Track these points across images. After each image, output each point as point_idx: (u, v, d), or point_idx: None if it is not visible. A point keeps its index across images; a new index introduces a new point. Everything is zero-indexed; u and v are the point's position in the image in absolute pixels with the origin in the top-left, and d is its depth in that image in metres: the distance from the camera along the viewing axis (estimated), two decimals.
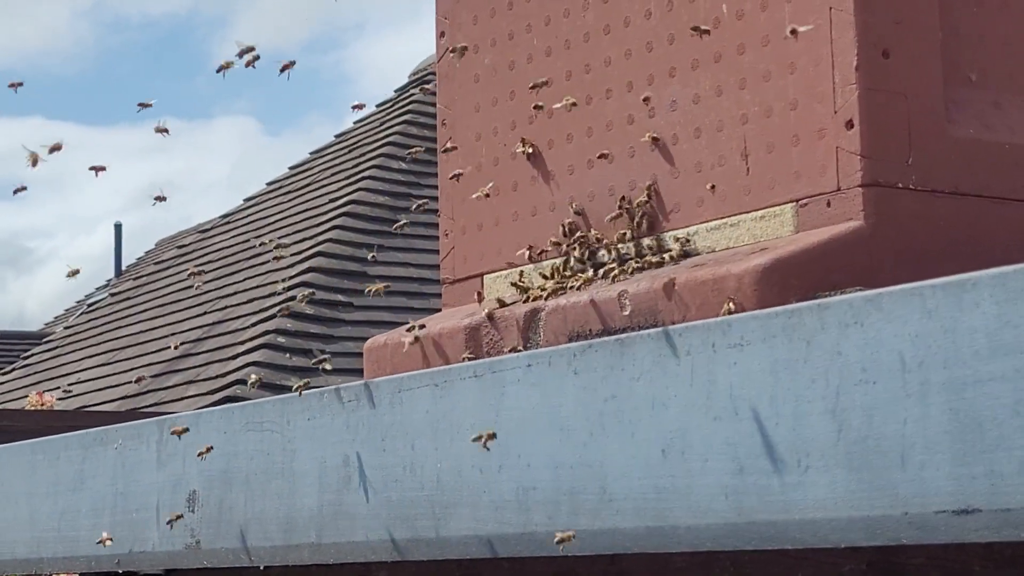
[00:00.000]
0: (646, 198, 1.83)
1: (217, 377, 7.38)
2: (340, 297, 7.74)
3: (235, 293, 8.45)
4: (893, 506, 1.26)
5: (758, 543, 1.38)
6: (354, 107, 2.33)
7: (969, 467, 1.21)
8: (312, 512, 1.87)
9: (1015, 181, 1.72)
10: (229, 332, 7.89)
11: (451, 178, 2.06)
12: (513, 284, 1.93)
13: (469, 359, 1.88)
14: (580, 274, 1.88)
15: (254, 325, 7.74)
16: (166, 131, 2.04)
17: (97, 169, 2.20)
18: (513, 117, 2.07)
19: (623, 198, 1.82)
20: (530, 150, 1.93)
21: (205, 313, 8.51)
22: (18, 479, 2.48)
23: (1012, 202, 1.72)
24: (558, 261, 1.95)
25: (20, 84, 2.30)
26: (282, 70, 2.01)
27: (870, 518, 1.28)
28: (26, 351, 12.11)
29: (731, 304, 1.60)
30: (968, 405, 1.20)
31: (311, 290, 3.75)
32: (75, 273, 2.41)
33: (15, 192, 2.30)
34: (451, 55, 2.02)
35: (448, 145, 2.10)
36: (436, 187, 2.21)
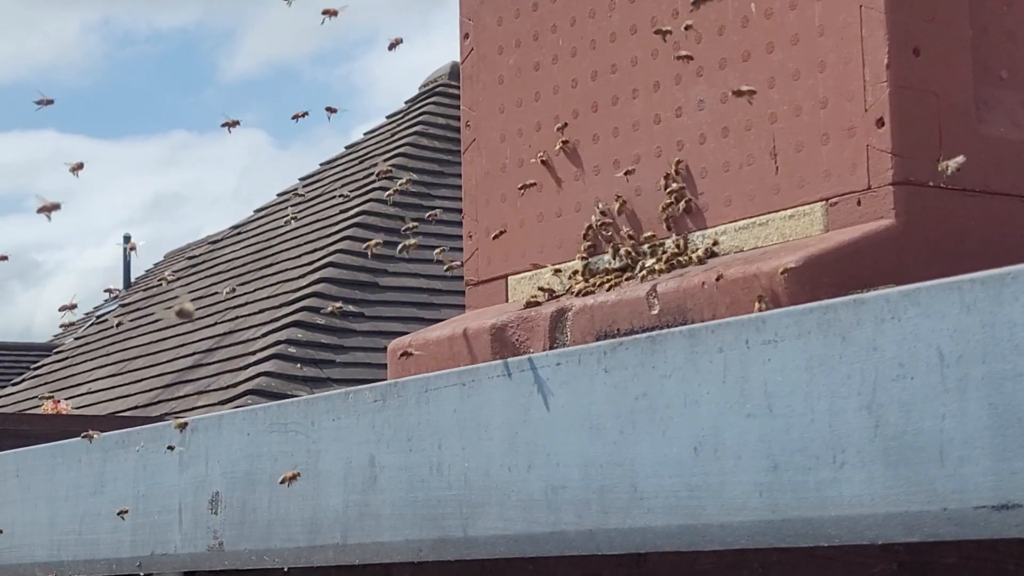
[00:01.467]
0: (677, 184, 1.82)
1: (228, 387, 7.38)
2: (351, 307, 7.73)
3: (246, 304, 8.45)
4: (931, 502, 1.25)
5: (793, 540, 1.37)
6: (294, 117, 2.33)
7: (1009, 462, 1.19)
8: (337, 513, 1.86)
9: None
10: (240, 343, 7.89)
11: (493, 238, 2.06)
12: (567, 276, 1.92)
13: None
14: (608, 274, 1.87)
15: (265, 336, 7.73)
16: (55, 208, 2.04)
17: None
18: (538, 118, 2.07)
19: (667, 176, 1.82)
20: (565, 147, 1.93)
21: (216, 324, 8.51)
22: (38, 482, 2.47)
23: None
24: (580, 263, 1.94)
25: (50, 102, 2.30)
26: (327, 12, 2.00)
27: (908, 514, 1.27)
28: (35, 363, 12.12)
29: (761, 303, 1.59)
30: (1008, 400, 1.19)
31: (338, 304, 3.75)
32: (71, 307, 2.38)
33: (44, 211, 2.25)
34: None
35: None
36: (447, 198, 2.20)
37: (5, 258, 2.45)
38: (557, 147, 1.96)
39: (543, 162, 1.94)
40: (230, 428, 2.07)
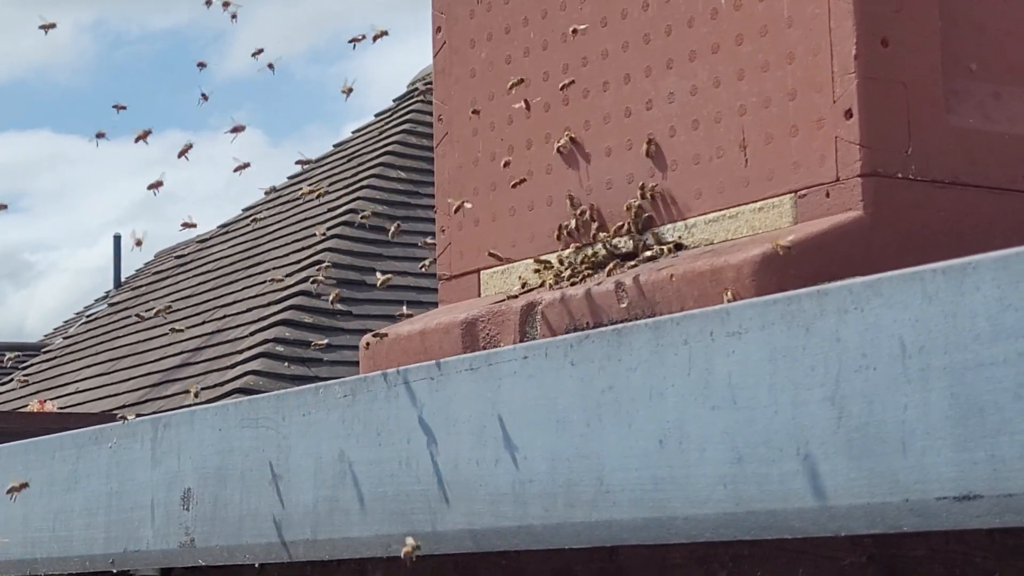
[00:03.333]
0: (643, 199, 1.82)
1: (216, 386, 7.36)
2: (339, 305, 7.72)
3: (234, 303, 8.44)
4: (894, 493, 1.25)
5: (757, 533, 1.36)
6: (298, 162, 2.35)
7: (970, 452, 1.19)
8: (307, 508, 1.85)
9: (1015, 171, 1.71)
10: (228, 341, 7.88)
11: (455, 211, 2.04)
12: (536, 271, 1.91)
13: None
14: (578, 268, 1.86)
15: (252, 334, 7.72)
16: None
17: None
18: (510, 112, 2.06)
19: (643, 185, 1.81)
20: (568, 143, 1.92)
21: (204, 323, 8.49)
22: (12, 480, 2.46)
23: (1012, 192, 1.70)
24: (555, 255, 1.94)
25: (123, 107, 2.29)
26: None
27: (870, 505, 1.27)
28: (25, 363, 12.09)
29: (730, 294, 1.58)
30: (969, 390, 1.19)
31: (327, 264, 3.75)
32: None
33: None
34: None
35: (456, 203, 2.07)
36: (434, 197, 2.19)
37: (4, 207, 2.42)
38: (519, 104, 1.93)
39: (570, 145, 1.91)
40: (202, 424, 2.06)
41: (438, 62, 2.16)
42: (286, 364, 7.26)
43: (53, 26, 2.47)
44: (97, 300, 13.57)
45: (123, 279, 13.54)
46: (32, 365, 10.95)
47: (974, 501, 1.19)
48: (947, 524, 1.22)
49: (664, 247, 1.78)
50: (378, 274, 2.05)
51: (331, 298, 2.80)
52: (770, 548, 1.63)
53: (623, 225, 1.86)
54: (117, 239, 14.49)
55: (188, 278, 9.75)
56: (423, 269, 2.33)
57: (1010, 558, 1.44)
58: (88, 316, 12.04)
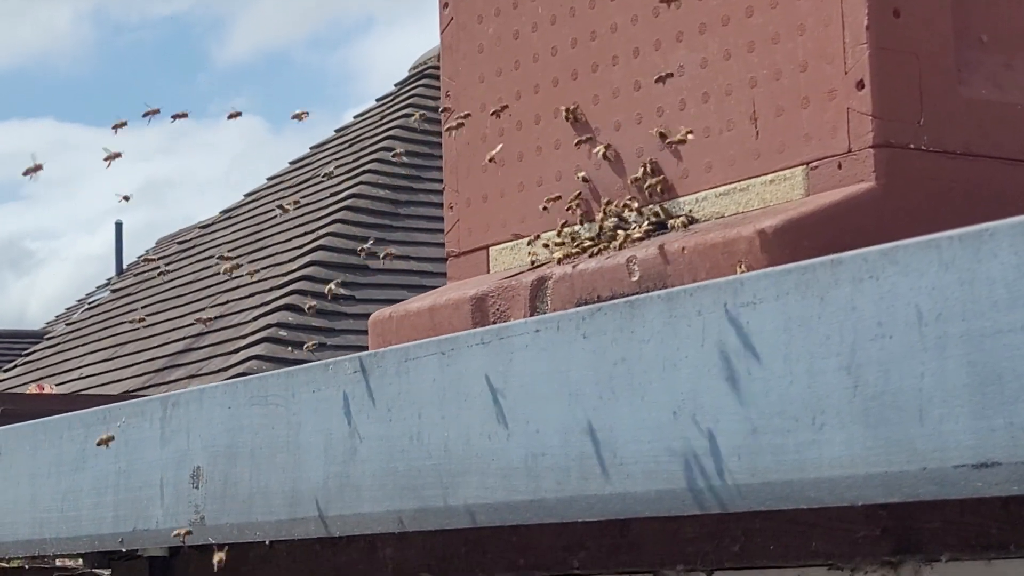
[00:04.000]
0: (653, 174, 1.81)
1: (219, 371, 7.36)
2: (342, 290, 7.71)
3: (236, 288, 8.43)
4: (911, 461, 1.24)
5: (772, 504, 1.36)
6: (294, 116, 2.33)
7: (988, 420, 1.18)
8: (317, 485, 1.84)
9: None
10: (231, 326, 7.87)
11: (447, 129, 2.02)
12: (546, 246, 1.90)
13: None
14: (589, 242, 1.86)
15: (256, 319, 7.72)
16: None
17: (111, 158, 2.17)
18: (518, 87, 2.05)
19: (652, 160, 1.80)
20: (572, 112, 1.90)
21: (207, 308, 8.49)
22: (21, 460, 2.46)
23: None
24: (567, 230, 1.93)
25: (123, 124, 2.26)
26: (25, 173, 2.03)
27: (888, 474, 1.26)
28: (27, 350, 12.10)
29: (742, 267, 1.57)
30: (987, 357, 1.18)
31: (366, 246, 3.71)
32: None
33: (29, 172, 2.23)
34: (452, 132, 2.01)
35: (454, 122, 2.07)
36: (437, 180, 2.18)
37: (39, 167, 2.36)
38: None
39: (571, 116, 1.90)
40: (211, 402, 2.05)
41: (445, 38, 2.15)
42: (289, 348, 7.26)
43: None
44: (99, 287, 13.56)
45: (125, 266, 13.53)
46: (34, 352, 10.95)
47: (992, 468, 1.19)
48: (965, 492, 1.21)
49: (675, 220, 1.78)
50: (372, 245, 2.02)
51: (327, 290, 2.77)
52: (782, 522, 1.62)
53: (633, 199, 1.85)
54: (119, 226, 14.48)
55: (191, 263, 9.74)
56: (386, 259, 2.31)
57: None
58: (90, 303, 12.04)
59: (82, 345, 9.89)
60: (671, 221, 1.78)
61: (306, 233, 8.40)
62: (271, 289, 7.92)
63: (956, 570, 1.51)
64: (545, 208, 1.85)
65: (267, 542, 1.98)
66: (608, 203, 1.88)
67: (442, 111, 2.09)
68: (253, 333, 7.55)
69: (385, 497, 1.75)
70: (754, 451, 1.36)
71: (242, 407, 1.98)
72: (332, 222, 8.36)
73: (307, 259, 8.07)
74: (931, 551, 1.52)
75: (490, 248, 2.07)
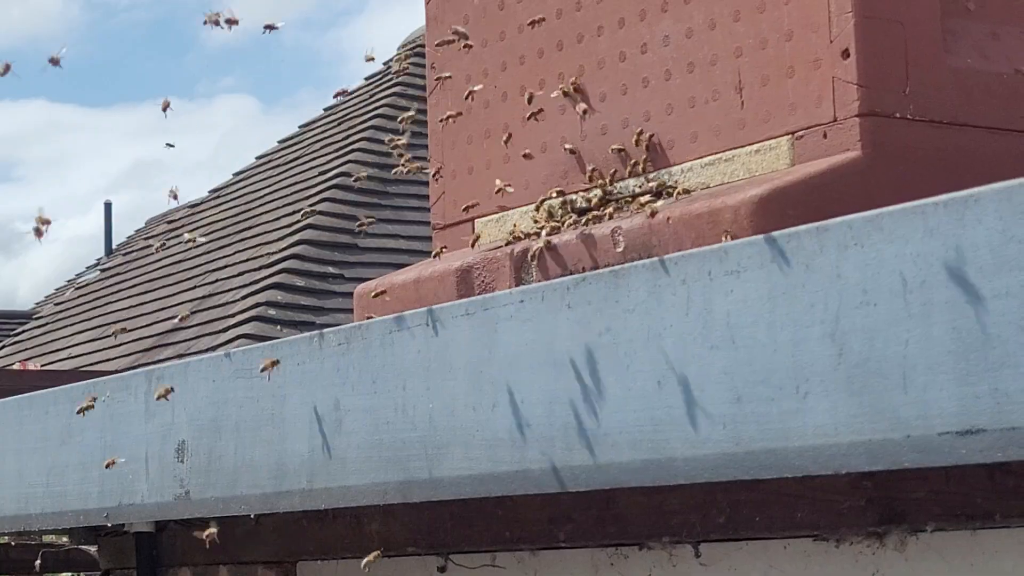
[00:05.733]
0: (637, 145, 1.80)
1: (208, 350, 7.35)
2: (330, 269, 7.70)
3: (225, 267, 8.41)
4: (895, 429, 1.24)
5: (757, 472, 1.35)
6: (337, 94, 2.29)
7: (973, 386, 1.18)
8: (303, 458, 1.84)
9: (1013, 111, 1.69)
10: (220, 305, 7.86)
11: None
12: (532, 218, 1.88)
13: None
14: (575, 213, 1.85)
15: (244, 298, 7.70)
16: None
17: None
18: (504, 58, 2.04)
19: (640, 132, 1.79)
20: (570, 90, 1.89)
21: (195, 287, 8.47)
22: (6, 436, 2.45)
23: (1010, 132, 1.69)
24: (554, 202, 1.92)
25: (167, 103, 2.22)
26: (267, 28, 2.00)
27: (872, 442, 1.26)
28: (16, 330, 12.06)
29: (728, 237, 1.57)
30: (971, 323, 1.18)
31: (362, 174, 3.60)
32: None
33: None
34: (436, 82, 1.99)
35: (448, 114, 2.04)
36: (426, 159, 2.16)
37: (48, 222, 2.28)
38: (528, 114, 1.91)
39: (571, 92, 1.87)
40: (196, 376, 2.04)
41: (430, 9, 2.14)
42: (279, 327, 7.25)
43: None
44: (88, 267, 13.50)
45: (114, 246, 13.48)
46: (22, 332, 10.92)
47: (977, 435, 1.18)
48: (949, 460, 1.21)
49: (661, 191, 1.77)
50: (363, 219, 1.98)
51: (360, 222, 2.65)
52: (768, 492, 1.62)
53: (617, 170, 1.84)
54: (108, 206, 14.42)
55: (179, 243, 9.71)
56: (360, 228, 2.30)
57: (1011, 498, 1.43)
58: (80, 283, 12.00)
59: (71, 325, 9.87)
60: (656, 191, 1.77)
61: (295, 212, 8.38)
62: (260, 268, 7.90)
63: (941, 540, 1.51)
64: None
65: (253, 517, 1.98)
66: (595, 173, 1.88)
67: (429, 93, 2.08)
68: (241, 312, 7.54)
69: (370, 469, 1.74)
70: (738, 420, 1.35)
71: (227, 380, 1.97)
72: (321, 200, 8.34)
73: (296, 238, 8.05)
74: (916, 521, 1.52)
75: (475, 220, 2.06)
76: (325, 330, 1.83)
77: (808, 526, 1.61)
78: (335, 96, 2.26)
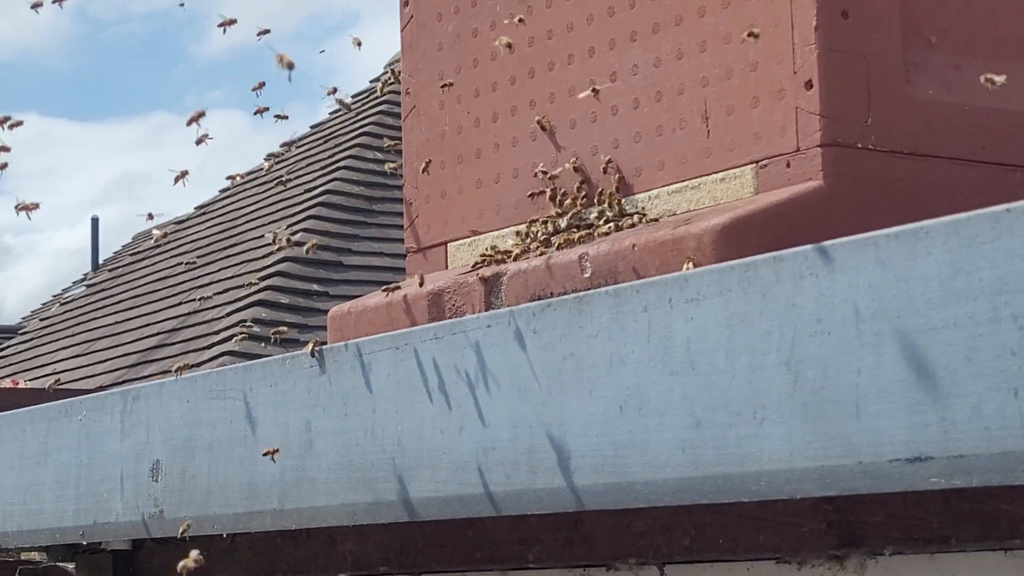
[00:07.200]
0: (605, 172, 1.83)
1: (192, 367, 7.36)
2: (315, 287, 7.72)
3: (210, 283, 8.42)
4: (847, 456, 1.26)
5: (714, 496, 1.38)
6: (329, 92, 2.33)
7: (922, 415, 1.21)
8: (274, 478, 1.86)
9: (974, 142, 1.73)
10: (205, 322, 7.87)
11: (424, 170, 2.04)
12: (488, 249, 1.91)
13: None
14: (544, 239, 1.88)
15: (229, 315, 7.71)
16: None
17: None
18: (476, 85, 2.07)
19: (609, 161, 1.81)
20: (544, 123, 1.92)
21: (180, 304, 8.48)
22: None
23: (971, 163, 1.72)
24: (523, 227, 1.95)
25: (233, 21, 2.25)
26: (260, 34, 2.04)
27: (824, 468, 1.28)
28: (2, 345, 12.05)
29: (691, 264, 1.59)
30: (921, 353, 1.21)
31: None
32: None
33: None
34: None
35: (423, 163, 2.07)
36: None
37: (7, 149, 2.39)
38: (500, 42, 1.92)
39: (542, 128, 1.91)
40: (170, 396, 2.07)
41: (405, 36, 2.17)
42: (263, 345, 7.26)
43: (40, 3, 2.46)
44: (75, 282, 13.49)
45: (101, 261, 13.46)
46: (7, 347, 10.90)
47: (925, 463, 1.21)
48: (899, 486, 1.23)
49: (627, 218, 1.80)
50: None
51: (307, 248, 2.67)
52: (731, 516, 1.65)
53: (587, 196, 1.87)
54: (95, 221, 14.38)
55: (165, 259, 9.72)
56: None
57: (966, 523, 1.46)
58: (65, 298, 11.99)
59: (56, 341, 9.86)
60: (623, 218, 1.80)
61: (280, 229, 8.39)
62: (245, 285, 7.91)
63: (900, 563, 1.54)
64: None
65: (226, 535, 2.00)
66: (566, 200, 1.90)
67: (404, 118, 2.11)
68: (226, 329, 7.55)
69: (340, 490, 1.76)
70: (697, 445, 1.38)
71: (200, 401, 1.99)
72: (307, 218, 8.37)
73: (281, 255, 8.07)
74: (875, 545, 1.54)
75: (448, 244, 2.09)
76: (298, 352, 1.85)
77: (771, 549, 1.63)
78: (328, 94, 2.28)
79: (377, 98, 9.54)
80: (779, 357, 1.32)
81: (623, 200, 1.84)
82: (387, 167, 2.00)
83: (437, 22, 2.12)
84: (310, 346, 1.78)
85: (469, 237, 2.05)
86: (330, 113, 10.25)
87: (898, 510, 1.53)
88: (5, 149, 2.42)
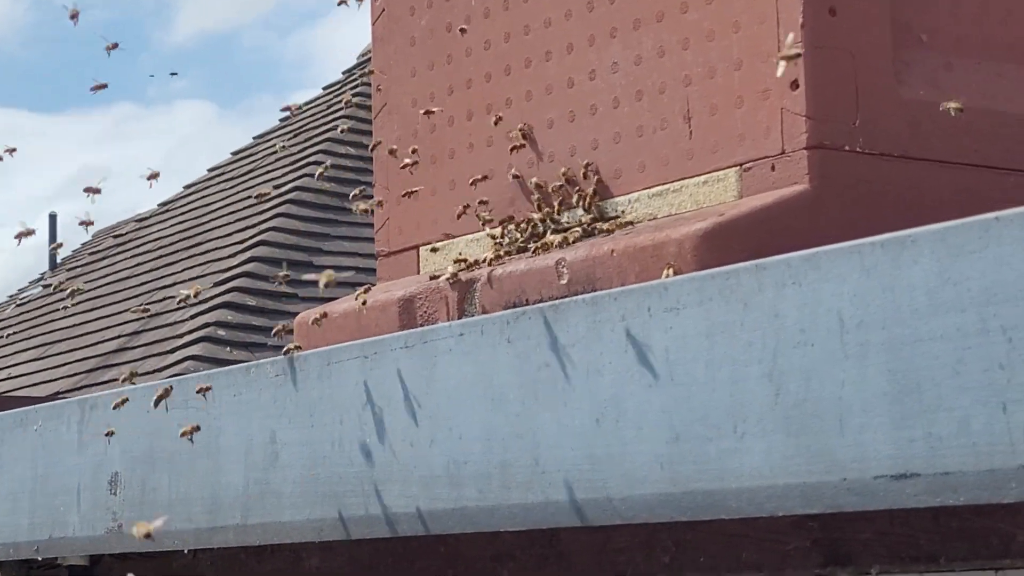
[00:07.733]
0: (584, 176, 1.77)
1: (155, 372, 7.24)
2: (284, 288, 7.62)
3: (174, 284, 8.29)
4: (831, 472, 1.21)
5: (694, 513, 1.32)
6: (284, 109, 2.26)
7: (908, 430, 1.16)
8: (238, 492, 1.79)
9: (965, 144, 1.68)
10: (168, 324, 7.74)
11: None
12: (460, 254, 1.85)
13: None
14: (519, 243, 1.82)
15: (193, 317, 7.59)
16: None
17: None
18: (450, 82, 2.00)
19: (588, 164, 1.75)
20: (521, 137, 1.86)
21: (143, 305, 8.34)
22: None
23: (961, 166, 1.67)
24: (497, 231, 1.89)
25: (103, 85, 2.19)
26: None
27: (807, 484, 1.23)
28: None
29: (671, 270, 1.54)
30: (907, 366, 1.15)
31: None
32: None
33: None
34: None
35: (408, 160, 2.00)
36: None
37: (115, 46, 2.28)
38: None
39: (523, 139, 1.85)
40: (130, 405, 1.99)
41: (376, 29, 2.10)
42: (228, 349, 7.15)
43: None
44: (31, 282, 13.26)
45: (59, 260, 13.25)
46: None
47: (911, 479, 1.16)
48: (884, 503, 1.18)
49: (606, 222, 1.74)
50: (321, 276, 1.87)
51: (279, 277, 2.64)
52: (712, 532, 1.59)
53: (564, 199, 1.81)
54: (52, 218, 14.03)
55: (126, 258, 9.58)
56: (319, 176, 2.27)
57: (955, 541, 1.41)
58: (22, 299, 11.82)
59: (12, 344, 9.69)
60: (602, 222, 1.74)
61: (247, 228, 8.29)
62: (211, 286, 7.79)
63: None
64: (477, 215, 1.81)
65: (187, 551, 1.93)
66: (541, 203, 1.84)
67: (375, 116, 2.04)
68: (190, 332, 7.43)
69: (306, 504, 1.70)
70: (676, 460, 1.32)
71: (161, 411, 1.92)
72: (275, 216, 8.24)
73: (248, 255, 7.95)
74: (862, 563, 1.49)
75: (420, 248, 2.02)
76: (262, 360, 1.78)
77: (753, 566, 1.58)
78: (282, 110, 2.21)
79: (350, 90, 9.42)
80: (761, 369, 1.26)
81: (602, 203, 1.78)
82: (356, 208, 1.93)
83: (409, 16, 2.06)
84: (286, 348, 1.71)
85: (442, 240, 1.99)
86: (299, 107, 10.11)
87: (885, 527, 1.47)
88: None
